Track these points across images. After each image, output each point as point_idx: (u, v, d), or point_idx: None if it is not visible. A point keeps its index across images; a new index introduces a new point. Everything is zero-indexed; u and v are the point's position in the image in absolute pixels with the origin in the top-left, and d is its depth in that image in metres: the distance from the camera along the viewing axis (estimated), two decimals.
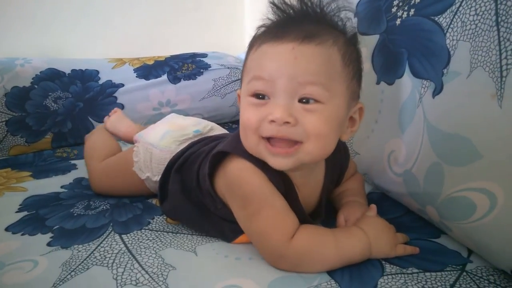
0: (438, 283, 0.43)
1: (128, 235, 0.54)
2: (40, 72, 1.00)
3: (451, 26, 0.46)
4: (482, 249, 0.46)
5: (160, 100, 1.07)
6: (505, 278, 0.43)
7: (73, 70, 1.04)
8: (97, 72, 1.06)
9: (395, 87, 0.57)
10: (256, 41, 0.46)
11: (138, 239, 0.53)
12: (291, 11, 0.47)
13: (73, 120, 0.99)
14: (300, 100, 0.43)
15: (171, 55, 1.19)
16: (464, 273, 0.44)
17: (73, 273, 0.46)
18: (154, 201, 0.65)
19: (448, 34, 0.47)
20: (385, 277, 0.43)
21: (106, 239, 0.53)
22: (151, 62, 1.14)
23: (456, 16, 0.46)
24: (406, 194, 0.56)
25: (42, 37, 1.19)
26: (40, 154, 0.93)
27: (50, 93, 0.98)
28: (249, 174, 0.46)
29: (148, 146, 0.65)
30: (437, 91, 0.48)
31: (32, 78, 0.98)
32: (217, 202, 0.51)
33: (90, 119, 1.01)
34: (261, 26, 0.48)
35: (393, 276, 0.44)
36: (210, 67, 1.15)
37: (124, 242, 0.52)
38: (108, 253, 0.50)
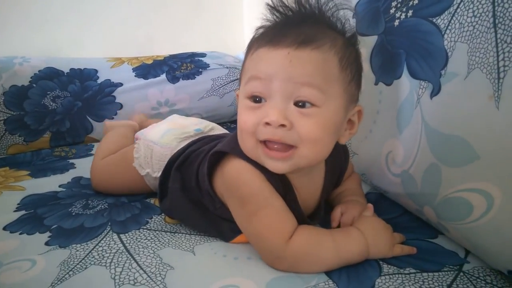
0: (435, 283, 0.43)
1: (126, 234, 0.54)
2: (39, 71, 0.99)
3: (449, 27, 0.47)
4: (479, 250, 0.46)
5: (159, 99, 1.07)
6: (501, 278, 0.44)
7: (71, 69, 1.04)
8: (96, 71, 1.06)
9: (393, 88, 0.57)
10: (254, 44, 0.47)
11: (136, 238, 0.53)
12: (289, 12, 0.47)
13: (71, 119, 0.99)
14: (296, 104, 0.43)
15: (170, 55, 1.19)
16: (461, 274, 0.44)
17: (71, 272, 0.46)
18: (153, 201, 0.66)
19: (446, 36, 0.47)
20: (383, 277, 0.44)
21: (104, 239, 0.53)
22: (150, 62, 1.14)
23: (454, 18, 0.46)
24: (404, 194, 0.56)
25: (41, 36, 1.18)
26: (38, 153, 0.93)
27: (48, 92, 0.98)
28: (247, 174, 0.46)
29: (149, 143, 0.66)
30: (435, 92, 0.48)
31: (31, 77, 0.98)
32: (216, 202, 0.51)
33: (89, 118, 1.01)
34: (260, 28, 0.48)
35: (391, 276, 0.44)
36: (209, 66, 1.15)
37: (122, 242, 0.52)
38: (106, 253, 0.50)
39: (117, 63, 1.12)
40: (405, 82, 0.54)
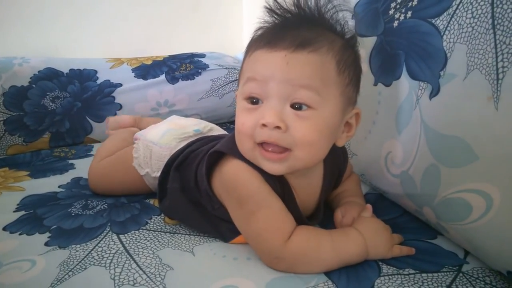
0: (435, 284, 0.43)
1: (126, 235, 0.54)
2: (38, 72, 0.99)
3: (448, 28, 0.47)
4: (478, 250, 0.46)
5: (158, 100, 1.07)
6: (501, 279, 0.44)
7: (71, 70, 1.04)
8: (95, 71, 1.06)
9: (392, 88, 0.57)
10: (252, 46, 0.47)
11: (136, 239, 0.53)
12: (288, 15, 0.47)
13: (71, 119, 0.99)
14: (293, 106, 0.43)
15: (169, 55, 1.19)
16: (460, 274, 0.45)
17: (70, 273, 0.46)
18: (152, 201, 0.66)
19: (445, 37, 0.47)
20: (382, 278, 0.44)
21: (104, 239, 0.53)
22: (149, 62, 1.14)
23: (453, 19, 0.46)
24: (403, 195, 0.56)
25: (40, 37, 1.18)
26: (37, 154, 0.93)
27: (48, 93, 0.98)
28: (246, 175, 0.46)
29: (149, 144, 0.66)
30: (434, 93, 0.48)
31: (30, 78, 0.98)
32: (214, 202, 0.51)
33: (88, 119, 1.01)
34: (258, 29, 0.48)
35: (390, 277, 0.44)
36: (208, 67, 1.15)
37: (121, 242, 0.52)
38: (106, 253, 0.50)
39: (117, 63, 1.12)
40: (404, 83, 0.54)
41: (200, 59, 1.18)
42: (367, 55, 0.61)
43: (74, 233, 0.55)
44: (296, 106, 0.43)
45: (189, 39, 1.38)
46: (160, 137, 0.66)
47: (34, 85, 0.97)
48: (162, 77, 1.10)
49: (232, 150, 0.48)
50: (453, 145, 0.45)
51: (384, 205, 0.62)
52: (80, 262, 0.48)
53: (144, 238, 0.53)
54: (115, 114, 1.03)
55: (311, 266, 0.45)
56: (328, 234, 0.46)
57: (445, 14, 0.48)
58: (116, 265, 0.47)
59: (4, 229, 0.57)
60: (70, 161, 0.87)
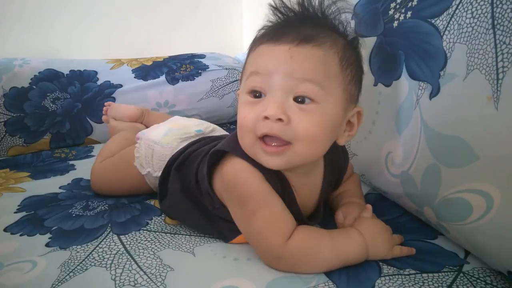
0: (435, 284, 0.43)
1: (127, 236, 0.54)
2: (39, 73, 1.00)
3: (448, 28, 0.47)
4: (479, 251, 0.46)
5: (158, 101, 1.08)
6: (501, 279, 0.44)
7: (71, 71, 1.04)
8: (96, 72, 1.06)
9: (392, 89, 0.57)
10: (255, 42, 0.47)
11: (137, 240, 0.53)
12: (291, 14, 0.47)
13: (71, 120, 0.99)
14: (295, 99, 0.43)
15: (169, 56, 1.19)
16: (461, 274, 0.45)
17: (71, 273, 0.46)
18: (153, 202, 0.66)
19: (445, 37, 0.47)
20: (382, 278, 0.44)
21: (105, 240, 0.53)
22: (150, 63, 1.14)
23: (453, 19, 0.46)
24: (403, 195, 0.56)
25: (40, 38, 1.19)
26: (38, 155, 0.93)
27: (48, 94, 0.98)
28: (247, 174, 0.46)
29: (150, 143, 0.66)
30: (434, 93, 0.48)
31: (31, 79, 0.98)
32: (215, 202, 0.51)
33: (89, 119, 1.01)
34: (262, 28, 0.48)
35: (390, 277, 0.44)
36: (208, 68, 1.16)
37: (122, 243, 0.52)
38: (107, 254, 0.50)
39: (117, 64, 1.12)
40: (404, 83, 0.54)
41: (200, 59, 1.18)
42: (367, 55, 0.61)
43: (74, 234, 0.55)
44: (299, 100, 0.43)
45: (189, 40, 1.38)
46: (162, 136, 0.67)
47: (34, 86, 0.97)
48: (162, 77, 1.10)
49: (234, 148, 0.48)
50: (453, 145, 0.45)
51: (384, 205, 0.62)
52: (81, 263, 0.48)
53: (145, 239, 0.53)
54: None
55: (311, 266, 0.45)
56: (329, 234, 0.46)
57: (445, 14, 0.48)
58: (117, 266, 0.47)
59: (5, 230, 0.57)
60: (71, 162, 0.87)
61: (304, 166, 0.48)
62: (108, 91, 1.04)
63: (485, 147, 0.42)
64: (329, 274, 0.44)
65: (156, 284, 0.44)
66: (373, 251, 0.46)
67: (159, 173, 0.62)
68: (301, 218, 0.49)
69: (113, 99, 1.04)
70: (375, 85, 0.60)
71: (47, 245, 0.52)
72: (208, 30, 1.41)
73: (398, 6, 0.56)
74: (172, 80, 1.10)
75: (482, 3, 0.43)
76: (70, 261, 0.48)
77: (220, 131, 0.73)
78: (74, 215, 0.61)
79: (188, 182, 0.55)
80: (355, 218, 0.51)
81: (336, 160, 0.55)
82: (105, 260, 0.48)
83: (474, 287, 0.42)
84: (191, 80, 1.12)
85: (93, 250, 0.51)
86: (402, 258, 0.47)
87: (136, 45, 1.28)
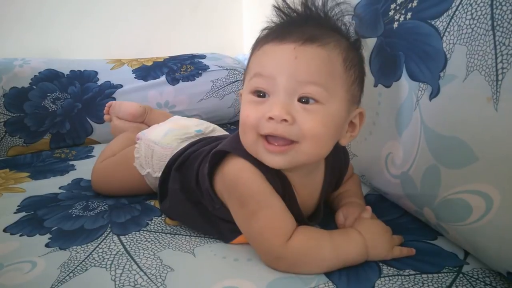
0: (435, 285, 0.43)
1: (127, 236, 0.54)
2: (39, 73, 1.00)
3: (448, 30, 0.47)
4: (479, 251, 0.46)
5: (159, 101, 1.08)
6: (501, 280, 0.44)
7: (71, 71, 1.04)
8: (96, 73, 1.07)
9: (392, 89, 0.57)
10: (259, 42, 0.47)
11: (137, 240, 0.53)
12: (294, 14, 0.47)
13: (71, 121, 0.99)
14: (300, 100, 0.44)
15: (169, 56, 1.19)
16: (461, 275, 0.45)
17: (71, 274, 0.46)
18: (153, 203, 0.66)
19: (444, 38, 0.47)
20: (382, 279, 0.44)
21: (105, 240, 0.53)
22: (150, 63, 1.14)
23: (453, 20, 0.46)
24: (403, 196, 0.56)
25: (41, 38, 1.19)
26: (38, 155, 0.93)
27: (48, 94, 0.98)
28: (248, 174, 0.47)
29: (150, 144, 0.66)
30: (434, 94, 0.48)
31: (31, 79, 0.98)
32: (215, 202, 0.51)
33: (89, 120, 1.01)
34: (265, 29, 0.48)
35: (390, 278, 0.44)
36: (209, 68, 1.16)
37: (122, 244, 0.52)
38: (107, 255, 0.50)
39: (117, 64, 1.12)
40: (404, 84, 0.54)
41: (200, 60, 1.19)
42: (367, 56, 0.61)
43: (74, 234, 0.55)
44: (304, 100, 0.43)
45: (189, 40, 1.38)
46: (162, 137, 0.67)
47: (34, 87, 0.97)
48: (163, 78, 1.10)
49: (235, 148, 0.48)
50: (453, 146, 0.45)
51: (384, 206, 0.62)
52: (80, 263, 0.48)
53: (145, 239, 0.53)
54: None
55: (311, 266, 0.45)
56: (329, 234, 0.46)
57: (444, 15, 0.48)
58: (117, 266, 0.47)
59: (5, 230, 0.57)
60: (71, 162, 0.87)
61: (306, 166, 0.48)
62: (108, 91, 1.04)
63: (484, 148, 0.42)
64: (329, 274, 0.44)
65: (156, 285, 0.44)
66: (373, 251, 0.46)
67: (159, 174, 0.62)
68: (301, 218, 0.50)
69: (113, 100, 1.04)
70: (375, 86, 0.61)
71: (47, 245, 0.52)
72: (208, 31, 1.41)
73: (398, 7, 0.56)
74: (173, 81, 1.10)
75: (482, 4, 0.43)
76: (70, 261, 0.48)
77: (220, 131, 0.73)
78: (74, 215, 0.61)
79: (188, 182, 0.55)
80: (356, 219, 0.51)
81: (337, 160, 0.55)
82: (105, 260, 0.48)
83: None
84: (191, 81, 1.12)
85: (93, 251, 0.51)
86: (402, 258, 0.47)
87: (136, 45, 1.28)
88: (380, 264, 0.46)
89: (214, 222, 0.52)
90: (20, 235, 0.55)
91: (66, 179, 0.77)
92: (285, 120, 0.43)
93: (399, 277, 0.44)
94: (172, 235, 0.55)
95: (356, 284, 0.43)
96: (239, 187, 0.47)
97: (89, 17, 1.24)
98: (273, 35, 0.45)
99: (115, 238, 0.54)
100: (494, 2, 0.42)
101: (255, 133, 0.45)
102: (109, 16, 1.27)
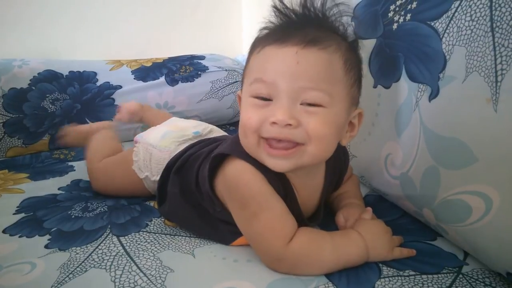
0: (435, 285, 0.43)
1: (126, 237, 0.54)
2: (38, 74, 0.99)
3: (447, 31, 0.47)
4: (478, 252, 0.46)
5: (158, 102, 1.07)
6: (500, 280, 0.44)
7: (70, 72, 1.04)
8: (95, 73, 1.06)
9: (391, 90, 0.57)
10: (259, 43, 0.46)
11: (136, 241, 0.53)
12: (292, 15, 0.47)
13: (70, 121, 0.99)
14: (303, 103, 0.44)
15: (169, 57, 1.19)
16: (460, 276, 0.45)
17: (71, 275, 0.46)
18: (152, 203, 0.65)
19: (444, 39, 0.47)
20: (382, 280, 0.44)
21: (104, 242, 0.53)
22: (149, 64, 1.14)
23: (452, 22, 0.47)
24: (403, 196, 0.56)
25: (40, 39, 1.18)
26: (37, 156, 0.93)
27: (47, 95, 0.98)
28: (249, 176, 0.46)
29: (148, 147, 0.66)
30: (433, 95, 0.48)
31: (30, 80, 0.98)
32: (216, 205, 0.51)
33: (88, 120, 1.01)
34: (264, 28, 0.48)
35: (390, 278, 0.44)
36: (208, 69, 1.16)
37: (122, 245, 0.52)
38: (106, 256, 0.50)
39: (116, 65, 1.12)
40: (404, 85, 0.54)
41: (199, 61, 1.18)
42: (367, 57, 0.62)
43: (74, 235, 0.55)
44: (306, 103, 0.43)
45: (188, 41, 1.38)
46: (159, 140, 0.66)
47: (33, 87, 0.97)
48: (162, 79, 1.10)
49: (235, 151, 0.48)
50: (453, 147, 0.45)
51: (383, 207, 0.62)
52: (80, 264, 0.48)
53: (145, 240, 0.53)
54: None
55: (312, 267, 0.45)
56: (329, 236, 0.46)
57: (444, 16, 0.48)
58: (116, 268, 0.47)
59: (4, 231, 0.57)
60: (70, 163, 0.87)
61: (307, 167, 0.48)
62: (108, 92, 1.04)
63: (484, 149, 0.42)
64: (329, 275, 0.45)
65: (156, 286, 0.44)
66: (373, 252, 0.46)
67: (157, 177, 0.62)
68: (302, 219, 0.50)
69: (113, 100, 1.04)
70: (375, 87, 0.61)
71: (46, 246, 0.52)
72: (207, 32, 1.41)
73: (397, 9, 0.56)
74: (172, 81, 1.10)
75: (481, 6, 0.43)
76: (69, 262, 0.48)
77: (218, 132, 0.72)
78: (73, 216, 0.61)
79: (188, 185, 0.55)
80: (356, 220, 0.51)
81: (336, 160, 0.55)
82: (105, 261, 0.48)
83: None
84: (190, 81, 1.12)
85: (92, 252, 0.50)
86: (402, 259, 0.47)
87: (135, 46, 1.28)
88: (380, 265, 0.46)
89: (214, 224, 0.52)
90: (20, 236, 0.55)
91: (65, 180, 0.77)
92: (289, 125, 0.42)
93: (399, 277, 0.44)
94: (172, 236, 0.55)
95: (356, 285, 0.43)
96: (241, 188, 0.47)
97: (89, 18, 1.24)
98: (273, 37, 0.45)
99: (115, 239, 0.54)
100: (493, 3, 0.42)
101: (256, 136, 0.45)
102: (109, 17, 1.27)
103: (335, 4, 0.47)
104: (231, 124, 1.17)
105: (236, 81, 1.16)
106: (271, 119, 0.43)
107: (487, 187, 0.42)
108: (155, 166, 0.64)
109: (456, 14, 0.46)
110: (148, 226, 0.57)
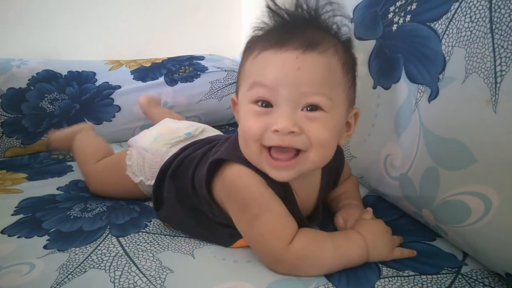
0: (434, 286, 0.43)
1: (125, 238, 0.54)
2: (37, 74, 0.99)
3: (447, 32, 0.47)
4: (477, 252, 0.46)
5: None
6: (499, 281, 0.44)
7: (69, 72, 1.04)
8: (94, 73, 1.06)
9: (391, 91, 0.57)
10: (255, 46, 0.45)
11: (136, 242, 0.53)
12: (285, 15, 0.46)
13: (69, 122, 0.99)
14: (303, 109, 0.43)
15: (168, 57, 1.19)
16: (459, 276, 0.45)
17: (70, 276, 0.46)
18: (151, 204, 0.65)
19: (443, 40, 0.48)
20: (382, 280, 0.44)
21: (103, 242, 0.53)
22: (148, 64, 1.14)
23: (452, 23, 0.47)
24: (402, 197, 0.56)
25: (39, 39, 1.18)
26: (35, 156, 0.93)
27: (46, 95, 0.98)
28: (248, 179, 0.46)
29: (141, 151, 0.65)
30: (433, 96, 0.49)
31: (28, 80, 0.97)
32: (214, 209, 0.51)
33: (87, 121, 1.01)
34: (257, 30, 0.47)
35: (390, 279, 0.44)
36: (207, 69, 1.16)
37: (121, 245, 0.52)
38: (106, 256, 0.49)
39: (115, 65, 1.12)
40: (403, 86, 0.54)
41: (199, 61, 1.18)
42: (366, 58, 0.62)
43: (73, 236, 0.55)
44: (308, 109, 0.43)
45: (188, 42, 1.38)
46: (151, 143, 0.65)
47: (32, 87, 0.97)
48: (161, 79, 1.10)
49: (234, 155, 0.47)
50: (452, 148, 0.45)
51: (383, 207, 0.62)
52: (79, 265, 0.48)
53: (144, 241, 0.53)
54: (114, 116, 1.03)
55: (312, 268, 0.45)
56: (330, 236, 0.46)
57: (443, 18, 0.48)
58: (116, 268, 0.47)
59: (2, 232, 0.57)
60: (68, 164, 0.87)
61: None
62: (107, 92, 1.04)
63: (483, 150, 0.42)
64: (328, 276, 0.45)
65: (155, 286, 0.43)
66: (373, 252, 0.46)
67: (151, 182, 0.61)
68: (301, 220, 0.49)
69: (112, 100, 1.03)
70: (374, 88, 0.61)
71: (45, 247, 0.52)
72: (207, 32, 1.41)
73: (397, 10, 0.56)
74: (171, 82, 1.10)
75: (480, 7, 0.43)
76: (68, 263, 0.48)
77: (211, 131, 0.71)
78: (72, 217, 0.60)
79: (184, 188, 0.54)
80: (356, 221, 0.51)
81: (333, 159, 0.55)
82: (104, 262, 0.48)
83: None
84: (190, 82, 1.12)
85: (91, 252, 0.50)
86: (401, 259, 0.47)
87: (135, 46, 1.28)
88: (380, 265, 0.46)
89: (212, 227, 0.52)
90: (18, 237, 0.55)
91: (63, 180, 0.77)
92: (292, 132, 0.42)
93: (399, 278, 0.44)
94: (171, 237, 0.54)
95: (356, 285, 0.43)
96: (241, 191, 0.46)
97: (88, 18, 1.24)
98: (271, 40, 0.44)
99: (114, 239, 0.54)
100: (493, 5, 0.42)
101: (258, 145, 0.44)
102: (108, 17, 1.27)
103: (329, 2, 0.46)
104: (230, 125, 1.17)
105: (235, 82, 1.16)
106: (273, 127, 0.42)
107: (486, 188, 0.42)
108: (148, 170, 0.63)
109: (456, 15, 0.46)
110: (148, 227, 0.57)
